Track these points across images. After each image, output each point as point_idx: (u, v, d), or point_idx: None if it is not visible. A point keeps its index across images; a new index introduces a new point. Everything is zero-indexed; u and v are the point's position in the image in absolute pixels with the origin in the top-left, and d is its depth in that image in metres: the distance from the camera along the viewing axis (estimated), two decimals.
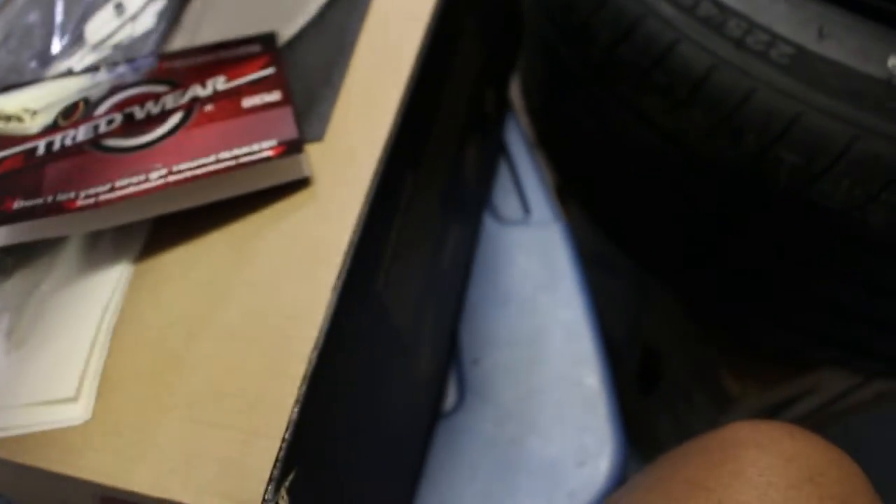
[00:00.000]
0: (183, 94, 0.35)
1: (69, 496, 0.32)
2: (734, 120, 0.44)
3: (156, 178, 0.31)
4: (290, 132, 0.32)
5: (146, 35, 0.42)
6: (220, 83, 0.35)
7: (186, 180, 0.31)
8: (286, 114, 0.33)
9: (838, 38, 0.43)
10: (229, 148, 0.32)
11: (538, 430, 0.41)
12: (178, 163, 0.32)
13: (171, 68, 0.36)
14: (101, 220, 0.32)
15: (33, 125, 0.35)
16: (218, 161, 0.31)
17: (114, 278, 0.32)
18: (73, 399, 0.29)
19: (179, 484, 0.26)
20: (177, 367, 0.29)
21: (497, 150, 0.53)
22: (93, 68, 0.38)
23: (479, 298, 0.47)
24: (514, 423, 0.42)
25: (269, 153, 0.31)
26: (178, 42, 0.41)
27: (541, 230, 0.49)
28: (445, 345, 0.43)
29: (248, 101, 0.34)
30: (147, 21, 0.43)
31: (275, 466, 0.25)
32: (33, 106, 0.36)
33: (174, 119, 0.34)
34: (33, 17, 0.44)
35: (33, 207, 0.31)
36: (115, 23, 0.43)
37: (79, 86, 0.37)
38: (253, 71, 0.35)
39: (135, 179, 0.31)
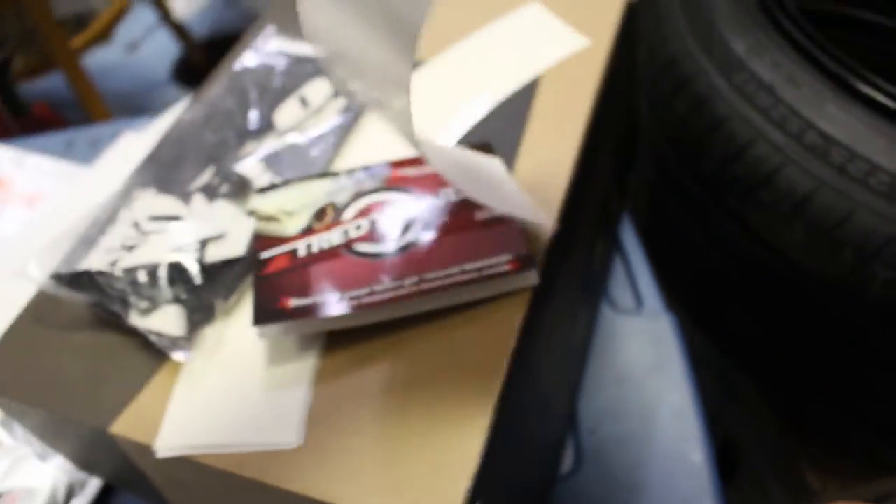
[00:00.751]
0: (419, 204, 0.40)
1: None
2: (834, 237, 0.50)
3: (409, 285, 0.36)
4: (523, 247, 0.37)
5: (330, 128, 0.49)
6: (451, 194, 0.40)
7: (435, 289, 0.36)
8: (516, 228, 0.38)
9: None
10: (471, 260, 0.37)
11: (647, 498, 0.46)
12: (427, 272, 0.37)
13: (404, 177, 0.42)
14: (361, 319, 0.37)
15: (290, 226, 0.41)
16: (463, 273, 0.36)
17: None
18: (290, 427, 0.35)
19: (383, 503, 0.31)
20: (375, 410, 0.35)
21: (613, 244, 0.59)
22: (332, 174, 0.43)
23: (596, 376, 0.52)
24: (625, 489, 0.47)
25: (507, 268, 0.36)
26: (359, 139, 0.49)
27: (652, 320, 0.54)
28: (566, 413, 0.49)
29: (480, 215, 0.39)
30: (329, 115, 0.50)
31: (467, 493, 0.31)
32: (289, 208, 0.42)
33: (415, 228, 0.39)
34: (230, 102, 0.53)
35: (306, 307, 0.36)
36: (301, 114, 0.51)
37: (325, 189, 0.42)
38: None
39: (391, 285, 0.36)
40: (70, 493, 0.51)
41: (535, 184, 0.42)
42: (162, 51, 1.73)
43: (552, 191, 0.41)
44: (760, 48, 0.55)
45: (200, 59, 1.70)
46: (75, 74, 1.34)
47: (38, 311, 0.44)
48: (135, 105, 1.58)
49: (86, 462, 0.49)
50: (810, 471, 0.62)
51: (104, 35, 1.45)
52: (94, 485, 0.51)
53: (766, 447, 0.68)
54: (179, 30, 1.66)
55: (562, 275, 0.41)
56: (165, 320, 0.40)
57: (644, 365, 0.52)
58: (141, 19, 1.77)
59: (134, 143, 0.74)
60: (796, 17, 0.55)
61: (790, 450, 0.64)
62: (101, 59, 1.64)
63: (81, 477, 0.51)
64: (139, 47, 1.78)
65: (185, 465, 0.36)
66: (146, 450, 0.36)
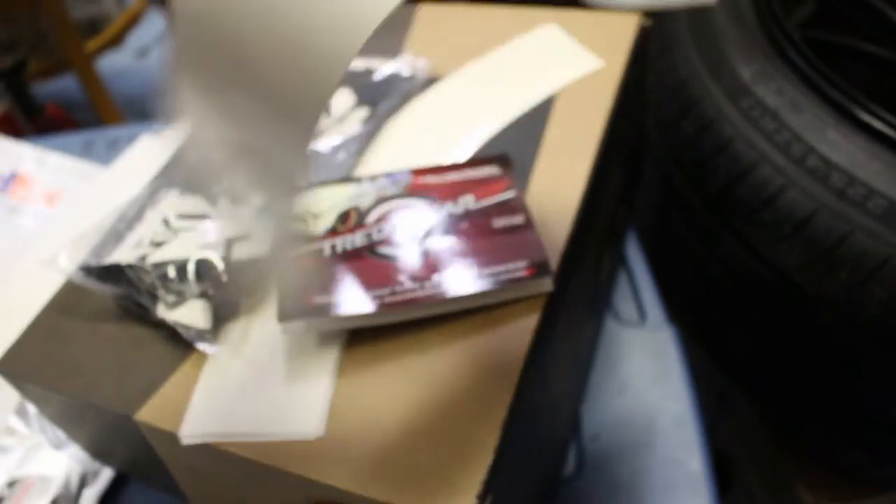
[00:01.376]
0: (439, 210, 0.42)
1: (282, 499, 0.39)
2: (831, 257, 0.52)
3: (429, 287, 0.38)
4: (539, 255, 0.39)
5: (351, 137, 0.51)
6: (470, 202, 0.42)
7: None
8: (532, 237, 0.40)
9: None
10: (488, 265, 0.39)
11: (648, 503, 0.48)
12: (446, 276, 0.38)
13: (425, 184, 0.44)
14: (382, 318, 0.38)
15: (316, 227, 0.42)
16: (480, 276, 0.38)
17: None
18: (312, 418, 0.37)
19: (403, 493, 0.33)
20: (394, 404, 0.36)
21: (619, 259, 0.61)
22: (356, 179, 0.45)
23: (599, 385, 0.54)
24: (626, 495, 0.48)
25: (523, 273, 0.38)
26: (380, 147, 0.50)
27: (655, 333, 0.56)
28: (571, 419, 0.51)
29: (498, 223, 0.41)
30: (351, 124, 0.52)
31: (481, 486, 0.32)
32: (315, 210, 0.43)
33: (435, 233, 0.41)
34: None
35: (330, 304, 0.38)
36: (324, 122, 0.53)
37: (348, 194, 0.44)
38: (497, 192, 0.43)
39: (411, 287, 0.38)
40: (83, 481, 0.52)
41: (549, 198, 0.44)
42: None
43: (565, 205, 0.43)
44: (766, 75, 0.57)
45: None
46: (89, 77, 1.35)
47: (65, 302, 0.45)
48: (143, 109, 1.59)
49: (102, 451, 0.51)
50: (803, 487, 0.64)
51: (117, 40, 1.47)
52: (106, 475, 0.53)
53: (759, 463, 0.69)
54: None
55: (572, 285, 0.43)
56: (192, 314, 0.41)
57: (646, 375, 0.54)
58: (152, 26, 1.79)
59: (151, 146, 0.76)
60: (801, 46, 0.58)
61: (783, 466, 0.66)
62: (111, 64, 1.66)
63: (95, 466, 0.53)
64: (150, 54, 1.80)
65: (207, 453, 0.37)
66: (170, 437, 0.38)
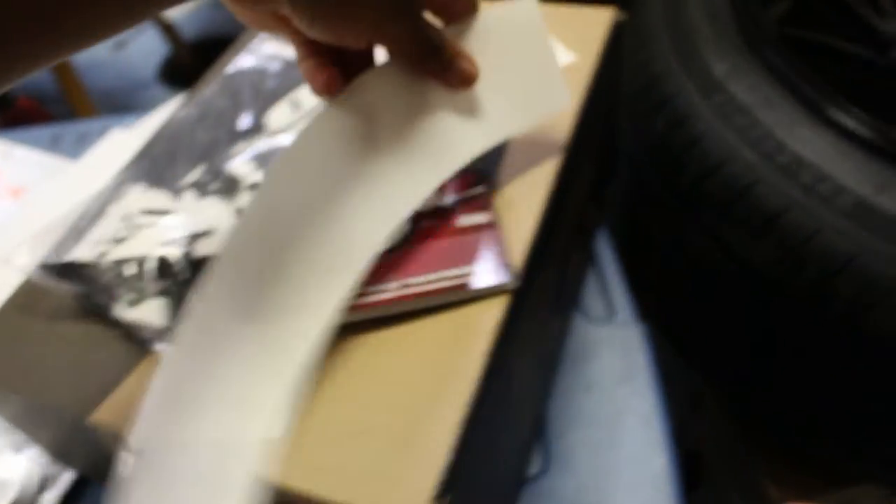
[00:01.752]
0: None
1: None
2: (799, 253, 0.52)
3: (393, 288, 0.38)
4: (502, 253, 0.39)
5: None
6: (434, 201, 0.41)
7: (417, 294, 0.37)
8: (496, 235, 0.40)
9: (892, 193, 0.51)
10: (449, 267, 0.38)
11: (614, 501, 0.47)
12: (409, 277, 0.38)
13: None
14: (344, 319, 0.37)
15: None
16: (442, 279, 0.38)
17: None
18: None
19: (361, 493, 0.32)
20: (353, 405, 0.36)
21: (587, 256, 0.61)
22: None
23: (567, 383, 0.54)
24: (591, 492, 0.48)
25: (486, 272, 0.38)
26: None
27: (623, 330, 0.56)
28: (536, 418, 0.50)
29: (463, 220, 0.40)
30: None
31: (438, 486, 0.32)
32: None
33: (399, 233, 0.40)
34: (223, 102, 0.54)
35: None
36: (292, 116, 0.52)
37: None
38: (466, 187, 0.42)
39: (376, 289, 0.38)
40: (43, 485, 0.51)
41: (516, 194, 0.43)
42: (149, 50, 1.73)
43: (532, 202, 0.43)
44: (739, 71, 0.57)
45: (188, 59, 1.70)
46: (62, 69, 1.33)
47: (23, 300, 0.44)
48: (119, 103, 1.57)
49: (62, 453, 0.50)
50: (772, 484, 0.64)
51: None
52: (66, 478, 0.52)
53: (729, 460, 0.69)
54: (168, 30, 1.66)
55: (537, 283, 0.42)
56: (151, 312, 0.41)
57: (613, 373, 0.54)
58: None
59: (121, 140, 0.75)
60: (775, 43, 0.57)
61: (753, 463, 0.66)
62: (87, 56, 1.63)
63: (55, 470, 0.52)
64: (127, 45, 1.78)
65: None
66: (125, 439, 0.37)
